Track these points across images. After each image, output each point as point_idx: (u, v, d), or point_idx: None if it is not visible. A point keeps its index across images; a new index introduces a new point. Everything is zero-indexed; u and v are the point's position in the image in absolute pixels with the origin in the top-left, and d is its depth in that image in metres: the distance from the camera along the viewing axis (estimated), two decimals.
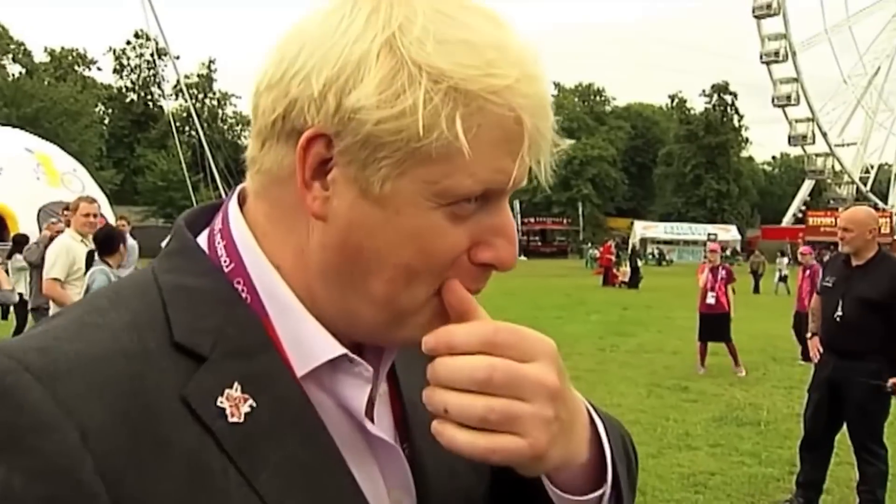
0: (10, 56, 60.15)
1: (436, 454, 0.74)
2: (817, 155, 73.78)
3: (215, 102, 75.87)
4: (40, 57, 65.01)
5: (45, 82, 53.51)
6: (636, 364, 11.83)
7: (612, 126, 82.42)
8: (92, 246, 6.78)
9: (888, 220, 53.38)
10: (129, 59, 72.25)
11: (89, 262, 6.60)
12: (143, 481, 0.59)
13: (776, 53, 70.52)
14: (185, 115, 55.71)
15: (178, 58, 42.52)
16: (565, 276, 36.69)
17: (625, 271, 32.12)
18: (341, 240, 0.66)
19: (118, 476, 0.58)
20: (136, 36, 69.35)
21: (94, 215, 6.95)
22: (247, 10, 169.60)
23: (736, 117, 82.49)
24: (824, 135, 71.28)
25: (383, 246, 0.65)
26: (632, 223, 69.47)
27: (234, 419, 0.64)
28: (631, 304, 22.50)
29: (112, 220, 14.04)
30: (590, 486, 0.75)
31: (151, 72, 68.56)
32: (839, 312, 5.35)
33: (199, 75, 73.47)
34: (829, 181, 74.23)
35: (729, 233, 66.28)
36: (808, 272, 12.24)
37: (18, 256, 11.78)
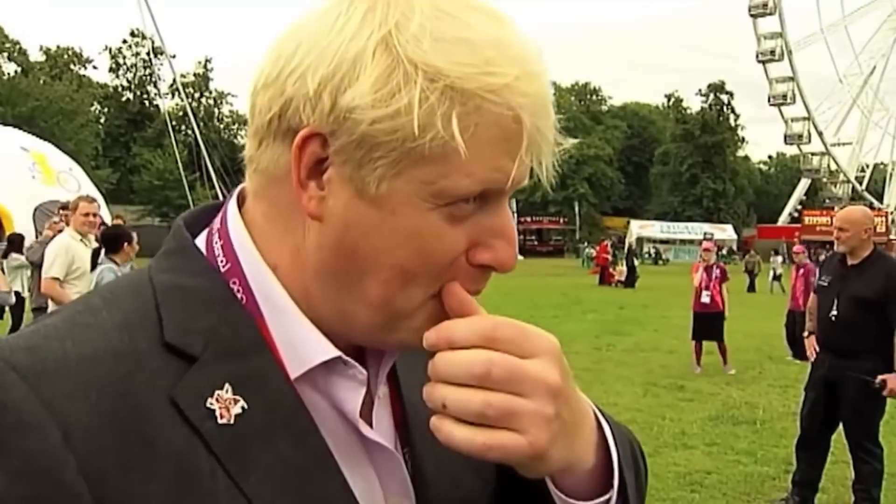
0: (6, 55, 60.02)
1: (437, 458, 0.74)
2: (813, 154, 73.88)
3: (211, 101, 75.71)
4: (36, 56, 64.95)
5: (41, 81, 53.30)
6: (632, 363, 11.85)
7: (608, 125, 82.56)
8: (92, 245, 6.84)
9: (884, 219, 53.51)
10: (125, 58, 72.02)
11: (95, 261, 6.71)
12: (129, 482, 0.58)
13: (772, 52, 70.59)
14: (181, 114, 55.64)
15: (174, 57, 42.42)
16: (562, 275, 36.72)
17: (621, 270, 32.18)
18: (337, 240, 0.65)
19: (102, 476, 0.57)
20: (132, 35, 69.11)
21: (94, 215, 6.96)
22: (243, 9, 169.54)
23: (732, 117, 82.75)
24: (820, 134, 71.38)
25: (379, 247, 0.64)
26: (628, 222, 69.53)
27: (224, 420, 0.63)
28: (627, 303, 22.52)
29: (108, 220, 14.02)
30: (596, 492, 0.73)
31: (147, 71, 68.42)
32: (834, 311, 5.37)
33: (195, 74, 73.28)
34: (824, 180, 74.31)
35: (725, 232, 66.41)
36: (801, 271, 12.29)
37: (14, 255, 11.77)
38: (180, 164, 32.59)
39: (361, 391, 0.69)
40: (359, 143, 0.62)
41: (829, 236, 5.64)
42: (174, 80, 40.43)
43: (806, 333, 6.09)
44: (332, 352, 0.68)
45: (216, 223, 0.73)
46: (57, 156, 21.75)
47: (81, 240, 6.78)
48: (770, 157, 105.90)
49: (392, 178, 0.63)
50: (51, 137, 29.69)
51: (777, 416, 8.44)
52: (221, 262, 0.70)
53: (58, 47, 67.47)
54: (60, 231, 8.22)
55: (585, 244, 53.92)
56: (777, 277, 28.89)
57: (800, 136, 72.43)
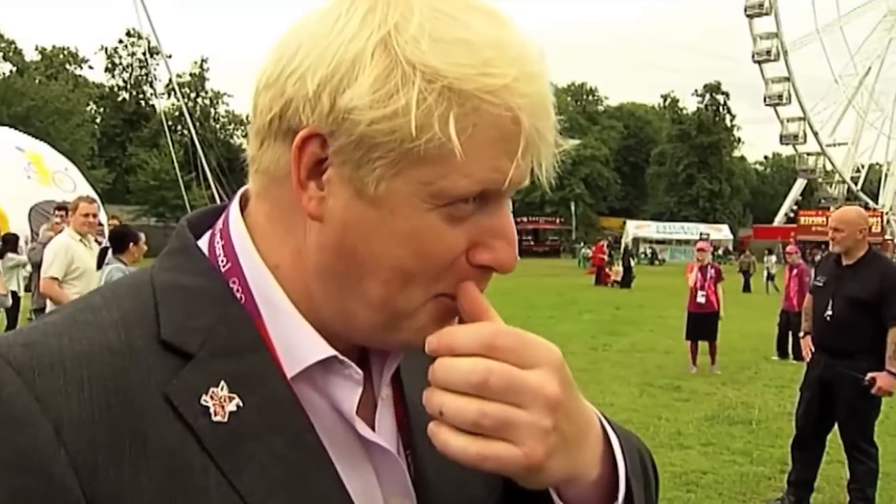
0: (1, 54, 59.87)
1: (440, 460, 0.72)
2: (809, 154, 74.10)
3: (207, 101, 75.65)
4: (31, 55, 64.79)
5: (37, 81, 53.23)
6: (628, 363, 11.86)
7: (604, 126, 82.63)
8: (91, 245, 6.87)
9: (879, 219, 53.66)
10: (120, 57, 71.89)
11: (102, 260, 6.75)
12: (120, 476, 0.59)
13: (768, 52, 70.79)
14: (177, 114, 55.53)
15: (170, 57, 42.40)
16: (558, 275, 36.75)
17: (617, 271, 32.22)
18: (337, 240, 0.65)
19: (94, 470, 0.58)
20: (128, 34, 69.02)
21: (94, 215, 6.97)
22: (239, 9, 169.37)
23: (728, 117, 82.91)
24: (815, 134, 71.58)
25: (378, 247, 0.65)
26: (624, 223, 69.73)
27: (218, 418, 0.63)
28: (623, 303, 22.54)
29: (104, 220, 14.01)
30: (602, 503, 0.73)
31: (143, 71, 68.34)
32: (829, 312, 5.39)
33: (191, 74, 73.19)
34: (820, 180, 74.53)
35: (721, 232, 66.56)
36: (795, 271, 12.33)
37: (10, 255, 11.75)
38: (176, 165, 32.51)
39: (358, 391, 0.69)
40: (357, 143, 0.62)
41: (824, 236, 5.66)
42: (170, 80, 40.39)
43: (802, 334, 6.10)
44: (327, 351, 0.68)
45: (219, 224, 0.74)
46: (52, 156, 21.67)
47: (81, 240, 6.78)
48: (766, 157, 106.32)
49: (391, 179, 0.63)
50: (46, 137, 29.57)
51: (773, 416, 8.46)
52: (222, 262, 0.70)
53: (53, 47, 67.38)
54: (61, 231, 8.22)
55: (582, 244, 54.04)
56: (771, 277, 28.98)
57: (795, 137, 72.65)
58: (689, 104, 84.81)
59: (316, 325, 0.69)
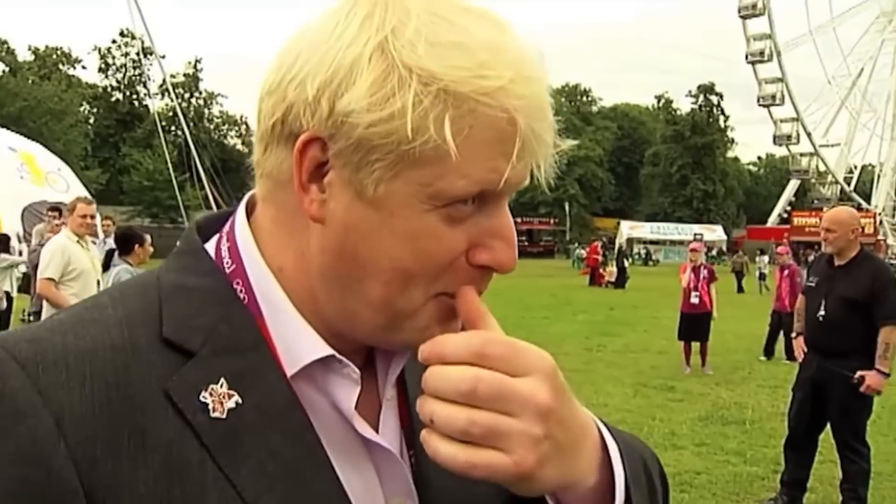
0: None
1: None
2: (802, 155, 74.30)
3: (201, 102, 75.53)
4: (24, 55, 64.59)
5: (29, 81, 52.94)
6: (622, 364, 11.88)
7: (598, 126, 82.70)
8: (88, 247, 6.85)
9: (871, 220, 53.84)
10: (114, 58, 71.69)
11: (108, 262, 6.82)
12: (119, 469, 0.60)
13: (761, 53, 70.97)
14: (170, 114, 55.36)
15: (163, 57, 42.25)
16: (552, 276, 36.77)
17: (611, 271, 32.26)
18: (338, 242, 0.67)
19: (92, 462, 0.60)
20: (122, 35, 68.84)
21: (92, 216, 6.94)
22: (233, 9, 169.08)
23: (722, 118, 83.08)
24: (809, 135, 71.79)
25: (379, 248, 0.66)
26: (618, 223, 69.72)
27: (217, 414, 0.64)
28: (617, 303, 22.57)
29: (97, 220, 13.95)
30: None
31: (137, 71, 68.18)
32: (822, 312, 5.41)
33: (185, 75, 73.06)
34: (813, 181, 74.74)
35: (715, 233, 66.67)
36: (786, 272, 12.36)
37: (3, 256, 11.73)
38: (170, 165, 32.45)
39: (356, 389, 0.70)
40: (356, 146, 0.63)
41: (818, 237, 5.68)
42: (164, 81, 40.26)
43: (794, 334, 6.12)
44: (325, 350, 0.69)
45: (226, 227, 0.75)
46: (45, 156, 21.60)
47: (78, 241, 6.75)
48: (759, 158, 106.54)
49: (389, 181, 0.64)
50: (39, 138, 29.48)
51: (766, 416, 8.48)
52: (227, 263, 0.72)
53: (46, 47, 67.16)
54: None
55: (576, 245, 53.96)
56: (762, 277, 29.06)
57: (789, 137, 72.84)
58: (683, 105, 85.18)
59: (320, 326, 0.70)
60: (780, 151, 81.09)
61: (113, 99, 71.26)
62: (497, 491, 0.76)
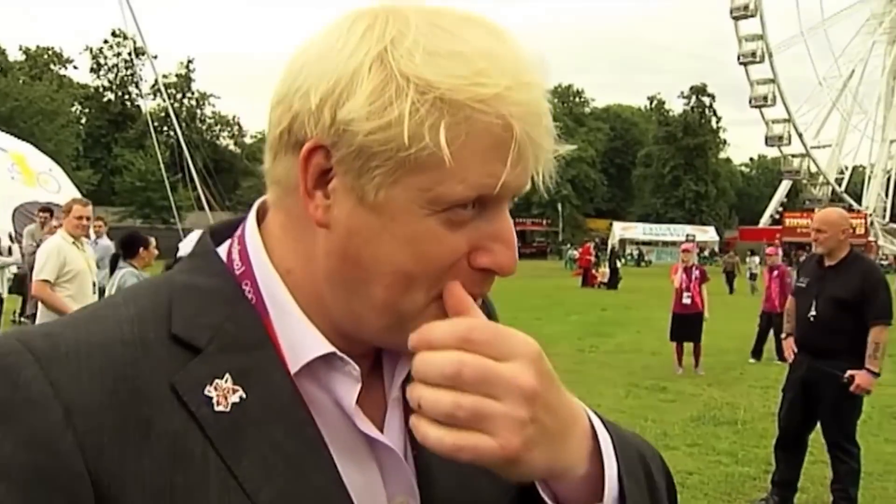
0: None
1: (447, 463, 0.73)
2: (793, 156, 74.57)
3: (193, 102, 75.43)
4: (15, 55, 64.32)
5: (20, 81, 52.68)
6: (615, 364, 11.89)
7: (591, 127, 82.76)
8: (83, 248, 6.84)
9: (863, 221, 54.05)
10: (106, 58, 71.51)
11: (114, 266, 6.81)
12: (124, 458, 0.63)
13: (753, 54, 71.24)
14: (163, 114, 55.21)
15: (155, 57, 42.14)
16: (545, 277, 36.78)
17: (604, 272, 32.27)
18: (342, 246, 0.69)
19: (99, 451, 0.63)
20: (114, 35, 68.62)
21: (88, 218, 6.92)
22: (226, 9, 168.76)
23: (714, 119, 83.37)
24: (800, 136, 72.05)
25: (381, 252, 0.68)
26: (611, 224, 69.96)
27: (221, 408, 0.67)
28: (610, 304, 22.61)
29: None
30: (591, 501, 0.74)
31: (129, 71, 67.97)
32: (813, 312, 5.42)
33: (177, 75, 72.94)
34: (804, 182, 75.02)
35: (707, 234, 66.94)
36: (775, 273, 12.39)
37: None
38: (162, 166, 32.35)
39: (357, 387, 0.72)
40: (357, 153, 0.66)
41: (809, 238, 5.70)
42: (156, 81, 40.18)
43: (784, 335, 6.15)
44: (327, 348, 0.71)
45: (238, 232, 0.79)
46: (37, 156, 21.51)
47: (74, 242, 6.73)
48: (751, 159, 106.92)
49: (390, 186, 0.66)
50: (30, 138, 29.34)
51: (758, 416, 8.50)
52: (237, 266, 0.75)
53: (38, 47, 66.97)
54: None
55: (568, 246, 54.10)
56: (753, 277, 29.14)
57: (780, 138, 73.11)
58: (676, 106, 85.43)
59: (328, 328, 0.72)
60: (772, 152, 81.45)
61: (105, 99, 71.07)
62: (500, 492, 0.78)
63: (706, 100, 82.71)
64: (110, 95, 71.53)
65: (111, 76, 71.76)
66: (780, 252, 14.02)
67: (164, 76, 63.32)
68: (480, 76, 0.65)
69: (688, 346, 11.43)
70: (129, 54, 62.58)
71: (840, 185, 74.21)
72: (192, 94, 75.26)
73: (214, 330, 0.70)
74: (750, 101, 73.04)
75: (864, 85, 74.14)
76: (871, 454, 6.52)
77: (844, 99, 74.17)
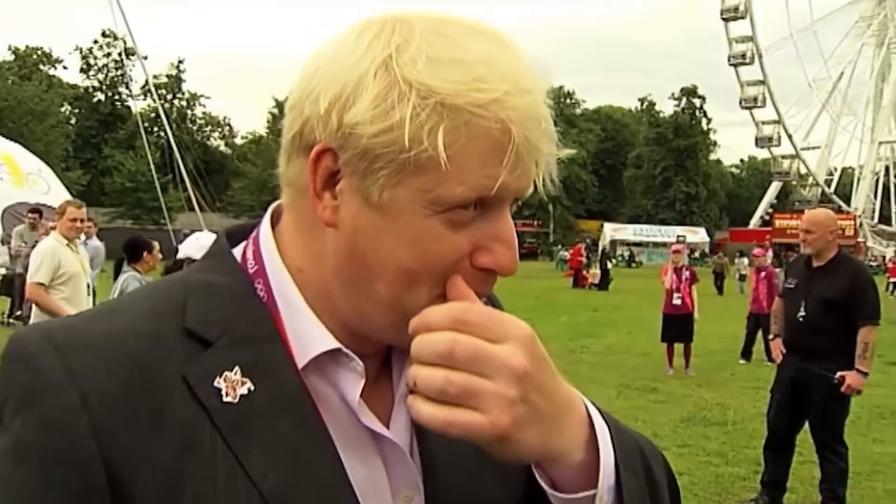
0: None
1: (451, 458, 0.79)
2: (783, 157, 74.86)
3: (184, 103, 75.24)
4: (4, 55, 64.07)
5: (9, 81, 52.47)
6: (606, 365, 11.90)
7: (582, 129, 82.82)
8: (77, 250, 6.83)
9: (852, 222, 54.33)
10: (96, 58, 71.25)
11: (118, 270, 6.88)
12: (135, 443, 0.67)
13: (743, 56, 71.53)
14: (153, 115, 55.05)
15: (146, 58, 42.03)
16: (536, 278, 36.78)
17: (595, 273, 32.29)
18: (349, 245, 0.72)
19: (111, 436, 0.67)
20: (104, 35, 68.38)
21: (82, 220, 6.88)
22: (217, 9, 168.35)
23: (704, 120, 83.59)
24: (790, 137, 72.34)
25: (385, 250, 0.71)
26: (602, 225, 69.98)
27: (229, 399, 0.70)
28: (601, 305, 22.64)
29: None
30: (587, 488, 0.75)
31: (119, 72, 67.72)
32: (802, 313, 5.45)
33: (167, 75, 72.76)
34: (794, 183, 75.32)
35: (698, 235, 67.07)
36: (762, 274, 12.44)
37: None
38: (152, 166, 32.27)
39: (361, 382, 0.75)
40: (362, 155, 0.69)
41: (799, 239, 5.72)
42: (146, 82, 40.06)
43: (771, 336, 6.17)
44: (333, 343, 0.74)
45: (253, 234, 0.82)
46: (26, 157, 21.39)
47: (68, 244, 6.70)
48: (742, 160, 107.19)
49: (393, 187, 0.69)
50: (19, 138, 29.19)
51: (748, 417, 8.53)
52: (251, 265, 0.79)
53: (27, 47, 66.69)
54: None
55: (559, 247, 54.12)
56: (742, 278, 29.25)
57: (770, 139, 73.38)
58: (666, 107, 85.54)
59: (337, 325, 0.75)
60: (762, 154, 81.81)
61: (95, 100, 70.79)
62: (506, 490, 0.81)
63: (697, 101, 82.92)
64: (100, 96, 71.27)
65: (101, 76, 71.54)
66: (771, 253, 14.06)
67: (155, 76, 63.14)
68: (480, 82, 0.67)
69: (678, 347, 11.46)
70: (120, 55, 62.34)
71: (829, 186, 74.57)
72: (183, 94, 75.15)
73: (226, 325, 0.74)
74: (740, 103, 73.34)
75: (853, 87, 74.68)
76: (860, 454, 6.56)
77: (834, 101, 74.60)
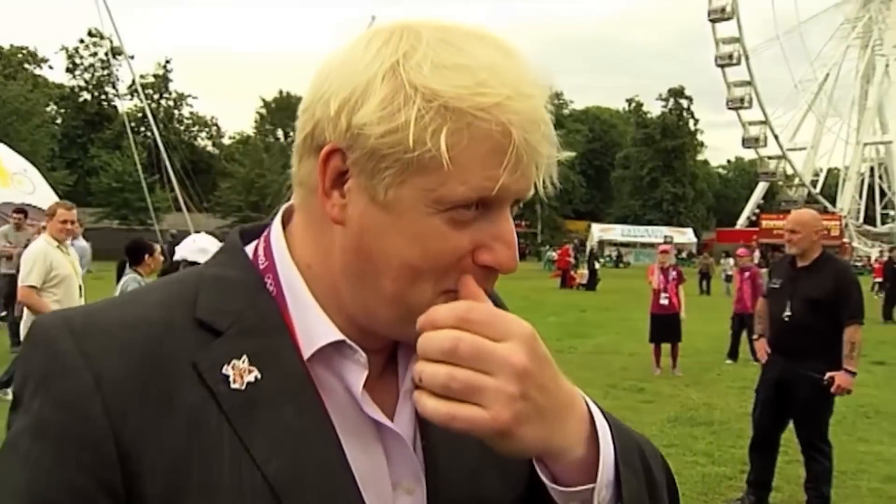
0: None
1: (453, 452, 0.82)
2: (770, 158, 75.19)
3: (171, 103, 74.88)
4: None
5: None
6: (593, 365, 11.92)
7: (570, 129, 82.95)
8: (68, 251, 6.82)
9: (837, 223, 54.64)
10: (82, 58, 70.69)
11: (120, 273, 6.95)
12: (145, 424, 0.71)
13: (730, 57, 71.77)
14: (140, 115, 54.74)
15: (132, 57, 41.75)
16: (524, 278, 36.79)
17: (583, 273, 32.34)
18: (356, 242, 0.75)
19: (123, 416, 0.71)
20: (90, 34, 67.87)
21: (72, 222, 6.84)
22: (204, 9, 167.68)
23: (691, 121, 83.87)
24: (776, 137, 72.67)
25: (390, 247, 0.74)
26: (589, 226, 70.07)
27: (236, 385, 0.74)
28: (589, 305, 22.70)
29: None
30: (586, 482, 0.77)
31: (105, 71, 67.26)
32: (788, 313, 5.48)
33: (154, 75, 72.37)
34: (781, 184, 75.67)
35: (685, 235, 67.27)
36: (746, 274, 12.51)
37: None
38: (139, 166, 32.08)
39: (364, 373, 0.78)
40: (369, 155, 0.72)
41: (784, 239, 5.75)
42: (133, 81, 39.83)
43: (756, 336, 6.21)
44: (337, 335, 0.78)
45: (265, 233, 0.86)
46: (11, 157, 21.23)
47: (58, 246, 6.66)
48: (729, 161, 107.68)
49: (398, 186, 0.72)
50: (4, 138, 28.92)
51: (734, 417, 8.57)
52: (261, 261, 0.83)
53: (11, 46, 65.99)
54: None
55: (547, 247, 54.19)
56: (728, 279, 29.35)
57: (757, 140, 73.65)
58: (654, 108, 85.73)
59: (344, 320, 0.79)
60: (749, 154, 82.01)
61: (81, 99, 70.18)
62: (507, 488, 0.84)
63: (684, 102, 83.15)
64: (86, 95, 70.68)
65: (87, 76, 70.92)
66: (758, 253, 14.11)
67: (142, 76, 62.84)
68: (482, 86, 0.71)
69: (665, 347, 11.51)
70: (106, 54, 61.97)
71: (815, 187, 74.95)
72: (170, 94, 74.77)
73: (235, 316, 0.77)
74: (727, 104, 73.60)
75: (838, 88, 75.06)
76: (845, 453, 6.61)
77: (819, 102, 74.95)
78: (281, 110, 77.14)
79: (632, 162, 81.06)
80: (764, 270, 12.79)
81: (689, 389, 10.26)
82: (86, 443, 0.70)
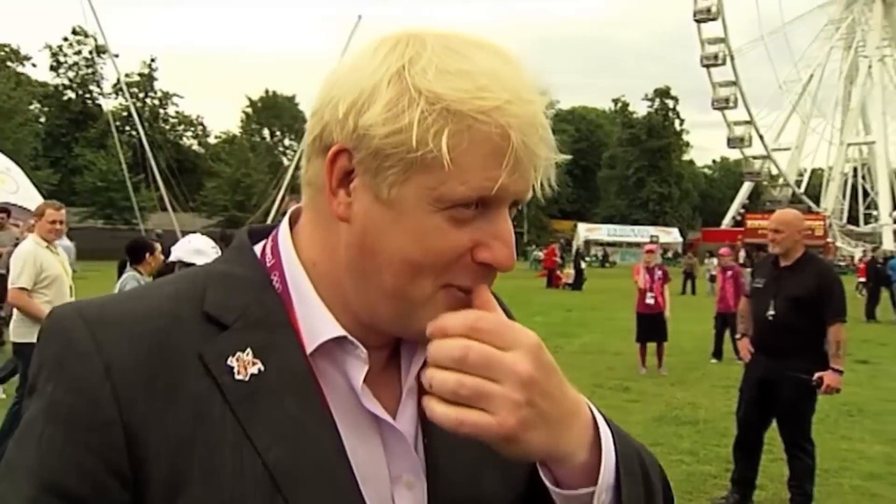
0: None
1: (454, 451, 0.84)
2: (755, 158, 75.57)
3: (156, 102, 74.46)
4: None
5: None
6: (579, 365, 11.93)
7: (556, 129, 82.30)
8: (57, 251, 6.77)
9: (821, 223, 55.00)
10: (66, 56, 70.14)
11: (121, 271, 7.03)
12: (153, 410, 0.75)
13: (715, 57, 72.02)
14: (125, 114, 54.42)
15: (117, 56, 41.54)
16: (509, 278, 36.40)
17: (569, 273, 32.42)
18: (360, 238, 0.79)
19: (131, 403, 0.75)
20: (74, 33, 67.40)
21: (61, 222, 6.77)
22: (189, 8, 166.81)
23: (677, 121, 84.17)
24: (761, 138, 73.04)
25: (392, 243, 0.77)
26: (575, 225, 70.21)
27: (240, 377, 0.78)
28: (575, 305, 22.74)
29: None
30: (587, 486, 0.80)
31: (90, 70, 66.81)
32: (772, 312, 5.51)
33: (139, 74, 71.97)
34: (765, 184, 76.08)
35: (671, 235, 67.49)
36: (729, 273, 12.59)
37: None
38: (124, 166, 31.94)
39: (364, 368, 0.81)
40: (374, 155, 0.76)
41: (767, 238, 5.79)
42: (118, 80, 39.59)
43: (739, 335, 6.24)
44: (339, 331, 0.81)
45: (273, 233, 0.90)
46: None
47: (47, 247, 6.61)
48: (714, 161, 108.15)
49: (401, 185, 0.76)
50: None
51: (719, 415, 8.61)
52: (269, 259, 0.86)
53: None
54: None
55: (533, 247, 54.22)
56: (712, 279, 29.49)
57: (742, 140, 73.94)
58: (640, 108, 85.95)
59: (348, 317, 0.82)
60: (734, 155, 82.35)
61: (65, 98, 69.57)
62: (507, 488, 0.87)
63: (670, 102, 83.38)
64: (71, 94, 70.13)
65: (71, 74, 70.34)
66: (743, 253, 14.18)
67: (126, 75, 62.46)
68: (483, 91, 0.74)
69: (651, 347, 11.56)
70: (91, 52, 61.67)
71: (800, 187, 75.41)
72: (155, 93, 74.34)
73: (241, 310, 0.81)
74: (712, 104, 73.85)
75: (822, 89, 75.42)
76: (827, 451, 6.66)
77: (804, 102, 75.39)
78: (267, 109, 76.99)
79: (618, 162, 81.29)
80: (748, 270, 12.90)
81: (675, 388, 10.31)
82: (94, 426, 0.74)
